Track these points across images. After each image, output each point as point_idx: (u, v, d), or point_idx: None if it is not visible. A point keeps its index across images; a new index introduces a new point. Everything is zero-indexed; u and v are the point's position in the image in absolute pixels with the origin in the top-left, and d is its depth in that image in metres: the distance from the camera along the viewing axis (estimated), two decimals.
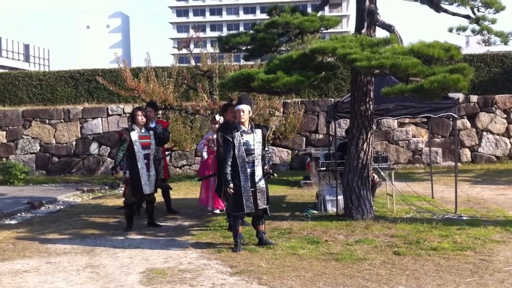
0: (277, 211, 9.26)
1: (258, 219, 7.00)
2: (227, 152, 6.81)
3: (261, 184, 6.89)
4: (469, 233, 7.33)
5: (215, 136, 8.80)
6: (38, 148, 17.93)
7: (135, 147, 8.22)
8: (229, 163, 6.79)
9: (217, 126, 9.12)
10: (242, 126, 6.88)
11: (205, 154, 9.65)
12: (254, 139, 6.89)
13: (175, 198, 11.12)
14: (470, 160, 17.19)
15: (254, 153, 6.85)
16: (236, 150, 6.79)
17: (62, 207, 11.32)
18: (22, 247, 7.37)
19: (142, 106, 10.55)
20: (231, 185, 6.74)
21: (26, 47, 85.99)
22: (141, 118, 8.35)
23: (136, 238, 7.80)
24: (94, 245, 7.38)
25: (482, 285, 5.24)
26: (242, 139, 6.82)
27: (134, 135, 8.26)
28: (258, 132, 6.95)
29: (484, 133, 17.20)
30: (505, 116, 17.24)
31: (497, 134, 17.19)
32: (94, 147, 17.79)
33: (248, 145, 6.82)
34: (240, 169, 6.80)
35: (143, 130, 8.39)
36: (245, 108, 6.89)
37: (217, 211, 9.56)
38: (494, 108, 17.24)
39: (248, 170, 6.82)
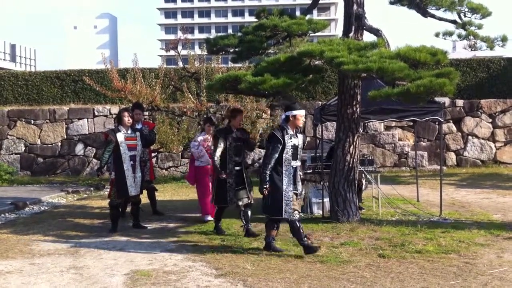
0: (262, 213, 9.22)
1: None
2: (274, 153, 6.57)
3: (299, 187, 6.81)
4: (454, 236, 7.38)
5: (209, 138, 8.78)
6: (23, 148, 17.77)
7: (121, 148, 8.17)
8: (272, 164, 6.58)
9: (211, 128, 9.07)
10: (290, 130, 6.67)
11: (207, 157, 8.95)
12: (299, 143, 6.76)
13: (161, 200, 11.07)
14: (456, 164, 17.32)
15: (298, 158, 6.74)
16: (285, 153, 6.58)
17: (46, 208, 11.22)
18: (5, 248, 7.29)
19: (128, 107, 10.47)
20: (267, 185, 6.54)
21: (13, 47, 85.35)
22: (127, 119, 8.31)
23: (121, 240, 7.75)
24: (78, 246, 7.32)
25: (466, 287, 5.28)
26: (291, 141, 6.63)
27: (120, 136, 8.21)
28: (300, 137, 6.82)
29: (470, 137, 17.35)
30: (490, 120, 17.39)
31: (482, 139, 17.35)
32: (79, 148, 17.67)
33: (295, 149, 6.66)
34: (284, 172, 6.58)
35: (129, 132, 8.34)
36: (304, 113, 6.79)
37: (209, 218, 9.05)
38: (479, 113, 17.39)
39: (291, 174, 6.63)
